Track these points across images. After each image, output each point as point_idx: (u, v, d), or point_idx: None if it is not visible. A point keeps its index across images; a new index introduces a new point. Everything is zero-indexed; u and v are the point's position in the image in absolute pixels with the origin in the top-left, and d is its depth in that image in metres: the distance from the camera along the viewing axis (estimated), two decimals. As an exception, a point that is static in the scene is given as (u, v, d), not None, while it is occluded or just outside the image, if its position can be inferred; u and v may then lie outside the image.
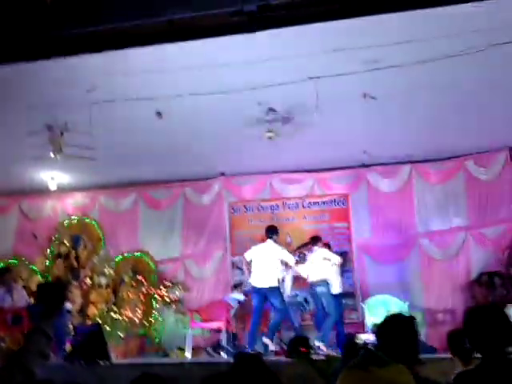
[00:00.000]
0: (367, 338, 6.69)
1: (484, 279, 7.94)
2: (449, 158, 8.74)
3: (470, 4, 4.35)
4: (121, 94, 6.06)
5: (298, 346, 5.27)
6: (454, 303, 8.08)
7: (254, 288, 6.99)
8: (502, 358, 2.13)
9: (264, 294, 6.84)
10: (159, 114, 6.44)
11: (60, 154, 6.87)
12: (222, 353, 7.55)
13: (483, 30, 4.96)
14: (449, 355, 3.74)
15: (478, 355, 2.25)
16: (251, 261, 7.00)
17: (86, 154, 7.31)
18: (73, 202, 9.84)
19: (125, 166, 8.71)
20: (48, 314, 2.28)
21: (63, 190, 9.38)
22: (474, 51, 5.28)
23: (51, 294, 2.37)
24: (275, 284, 6.83)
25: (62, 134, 6.80)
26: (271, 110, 6.60)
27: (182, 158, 8.38)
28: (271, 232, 7.08)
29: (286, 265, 7.11)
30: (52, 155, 6.91)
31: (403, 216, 8.79)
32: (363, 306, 7.48)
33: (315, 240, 7.56)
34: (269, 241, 7.00)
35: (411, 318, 2.40)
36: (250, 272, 7.02)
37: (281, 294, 6.98)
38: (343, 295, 7.76)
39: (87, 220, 9.55)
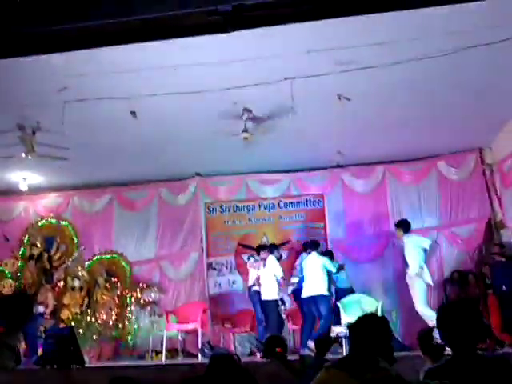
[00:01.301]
0: (340, 330, 6.78)
1: (456, 277, 8.07)
2: (421, 159, 8.88)
3: (443, 7, 4.43)
4: (94, 94, 5.99)
5: (274, 345, 5.28)
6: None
7: (304, 296, 7.44)
8: (472, 354, 2.16)
9: (314, 302, 7.26)
10: (133, 113, 6.37)
11: (32, 153, 6.74)
12: (198, 354, 7.54)
13: (455, 32, 5.06)
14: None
15: (448, 353, 2.28)
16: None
17: (59, 153, 7.20)
18: (45, 203, 9.68)
19: (99, 167, 8.60)
20: (12, 328, 2.24)
21: (35, 191, 9.21)
22: (447, 53, 5.39)
23: (14, 309, 2.32)
24: (324, 292, 7.29)
25: (34, 133, 6.69)
26: (247, 110, 6.60)
27: (157, 159, 8.32)
28: (315, 246, 7.73)
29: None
30: (24, 155, 6.78)
31: (377, 216, 8.90)
32: (338, 305, 7.52)
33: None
34: (314, 253, 7.58)
35: (384, 318, 2.42)
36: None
37: (329, 302, 7.40)
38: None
39: (60, 221, 9.39)
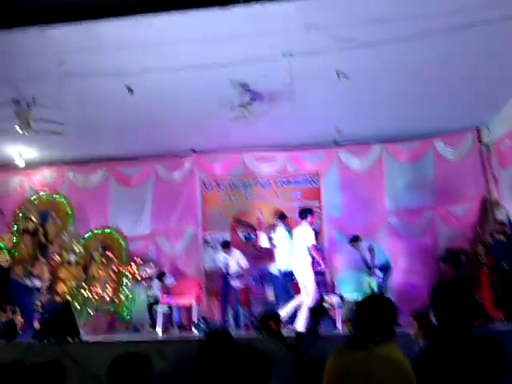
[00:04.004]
0: (334, 300, 6.83)
1: (448, 256, 8.15)
2: (419, 138, 8.86)
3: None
4: (91, 69, 5.93)
5: (268, 322, 5.32)
6: (421, 279, 8.27)
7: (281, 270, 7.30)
8: (467, 332, 2.19)
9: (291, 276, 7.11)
10: (130, 89, 6.31)
11: (27, 128, 6.69)
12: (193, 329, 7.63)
13: (454, 10, 5.01)
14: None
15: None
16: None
17: (55, 128, 7.14)
18: (41, 178, 9.64)
19: (95, 142, 8.54)
20: None
21: (31, 166, 9.17)
22: (446, 31, 5.34)
23: None
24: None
25: (28, 107, 6.62)
26: (244, 86, 6.53)
27: (154, 135, 8.26)
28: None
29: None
30: (19, 129, 6.73)
31: (373, 194, 8.90)
32: (335, 282, 7.59)
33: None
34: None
35: (390, 299, 2.45)
36: None
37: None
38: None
39: (56, 196, 9.38)
